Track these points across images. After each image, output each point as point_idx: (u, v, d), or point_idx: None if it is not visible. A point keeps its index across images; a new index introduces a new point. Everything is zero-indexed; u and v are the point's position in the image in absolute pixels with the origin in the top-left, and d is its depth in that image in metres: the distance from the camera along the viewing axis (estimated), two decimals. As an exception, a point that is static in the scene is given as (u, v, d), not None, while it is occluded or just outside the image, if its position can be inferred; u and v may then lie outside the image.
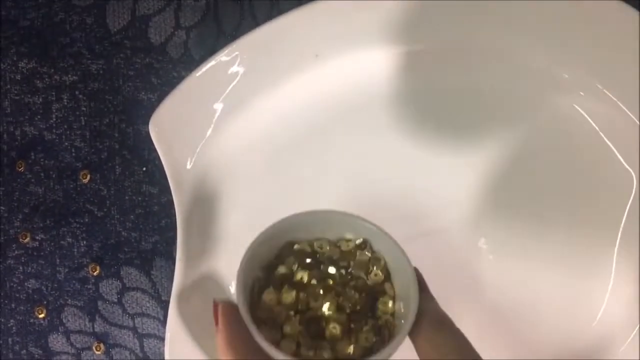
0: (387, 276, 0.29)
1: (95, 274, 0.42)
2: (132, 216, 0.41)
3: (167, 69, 0.41)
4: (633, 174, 0.35)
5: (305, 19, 0.36)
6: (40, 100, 0.42)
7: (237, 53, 0.36)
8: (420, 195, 0.37)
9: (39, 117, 0.42)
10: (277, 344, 0.26)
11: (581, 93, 0.35)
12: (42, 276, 0.42)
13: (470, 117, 0.37)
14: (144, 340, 0.42)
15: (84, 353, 0.42)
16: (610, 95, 0.34)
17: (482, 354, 0.25)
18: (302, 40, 0.36)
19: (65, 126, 0.42)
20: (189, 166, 0.38)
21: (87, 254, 0.42)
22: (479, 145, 0.37)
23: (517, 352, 0.36)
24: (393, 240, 0.28)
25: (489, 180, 0.36)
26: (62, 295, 0.42)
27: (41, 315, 0.42)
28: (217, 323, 0.27)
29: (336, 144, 0.38)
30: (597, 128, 0.35)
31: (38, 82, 0.42)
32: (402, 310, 0.27)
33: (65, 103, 0.42)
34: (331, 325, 0.27)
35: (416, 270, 0.28)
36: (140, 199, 0.41)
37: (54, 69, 0.42)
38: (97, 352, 0.42)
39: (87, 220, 0.42)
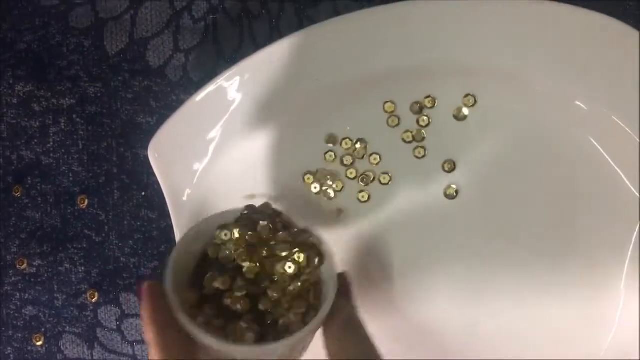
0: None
1: (93, 300, 0.41)
2: (131, 241, 0.41)
3: (166, 92, 0.40)
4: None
5: (306, 42, 0.35)
6: (38, 124, 0.41)
7: (237, 77, 0.36)
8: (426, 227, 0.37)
9: (36, 141, 0.41)
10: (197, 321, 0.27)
11: (593, 121, 0.34)
12: (39, 303, 0.42)
13: (478, 142, 0.36)
14: (144, 368, 0.41)
15: (83, 381, 0.42)
16: (622, 124, 0.34)
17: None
18: (302, 64, 0.36)
19: (63, 150, 0.41)
20: (188, 191, 0.38)
21: (85, 280, 0.41)
22: (485, 170, 0.36)
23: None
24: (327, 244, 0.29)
25: (496, 208, 0.36)
26: (60, 322, 0.41)
27: (39, 343, 0.42)
28: (140, 299, 0.28)
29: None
30: (608, 159, 0.35)
31: (35, 105, 0.41)
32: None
33: (63, 127, 0.41)
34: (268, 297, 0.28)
35: (346, 277, 0.30)
36: (139, 224, 0.41)
37: (51, 93, 0.41)
38: (96, 380, 0.42)
39: (85, 245, 0.41)
